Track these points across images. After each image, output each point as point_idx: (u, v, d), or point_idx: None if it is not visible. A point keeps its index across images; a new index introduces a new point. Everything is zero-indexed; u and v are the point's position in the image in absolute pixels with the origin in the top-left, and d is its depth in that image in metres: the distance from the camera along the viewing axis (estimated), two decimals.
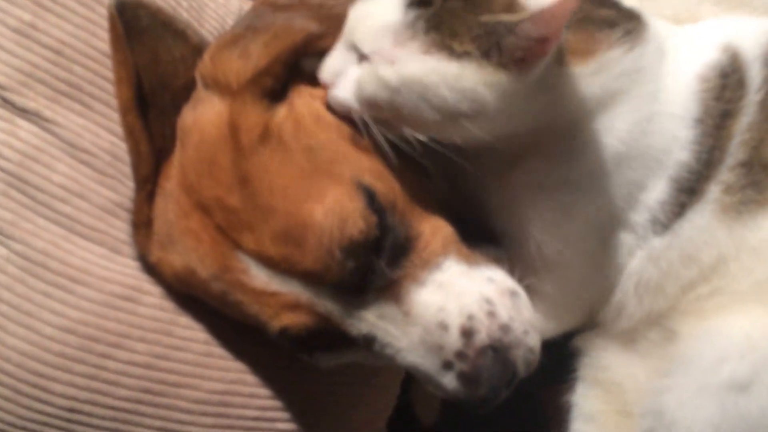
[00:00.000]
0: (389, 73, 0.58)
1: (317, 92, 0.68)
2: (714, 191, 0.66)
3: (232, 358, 0.74)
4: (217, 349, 0.74)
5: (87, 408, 0.69)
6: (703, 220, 0.66)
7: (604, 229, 0.68)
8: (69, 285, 0.68)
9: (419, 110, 0.58)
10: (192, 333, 0.73)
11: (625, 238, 0.68)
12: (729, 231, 0.66)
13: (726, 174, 0.66)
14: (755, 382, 0.64)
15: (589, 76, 0.62)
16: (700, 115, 0.66)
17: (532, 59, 0.56)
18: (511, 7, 0.55)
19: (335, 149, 0.65)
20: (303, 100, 0.67)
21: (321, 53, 0.67)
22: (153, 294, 0.72)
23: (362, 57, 0.61)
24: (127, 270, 0.71)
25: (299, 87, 0.68)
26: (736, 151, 0.66)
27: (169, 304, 0.72)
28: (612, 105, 0.64)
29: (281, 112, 0.66)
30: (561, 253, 0.68)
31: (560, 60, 0.60)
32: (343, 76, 0.63)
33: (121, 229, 0.71)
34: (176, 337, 0.72)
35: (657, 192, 0.66)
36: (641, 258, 0.68)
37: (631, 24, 0.65)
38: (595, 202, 0.66)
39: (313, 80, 0.68)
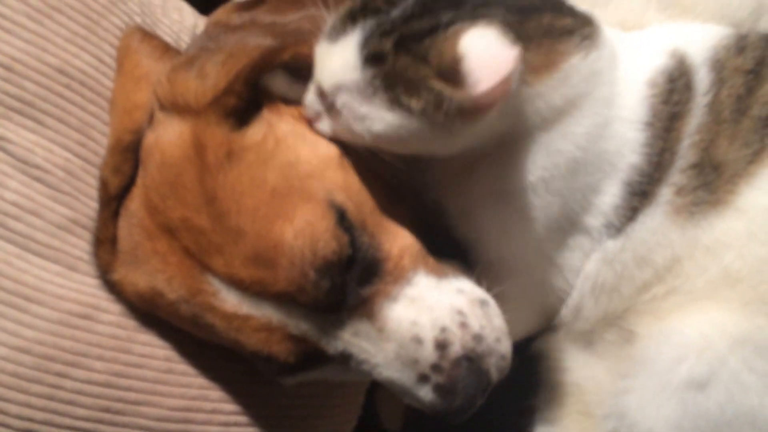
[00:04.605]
0: (362, 130, 0.61)
1: (296, 111, 0.68)
2: (666, 193, 0.67)
3: (193, 374, 0.73)
4: (178, 366, 0.73)
5: (44, 429, 0.67)
6: (655, 222, 0.67)
7: (561, 233, 0.69)
8: (23, 304, 0.66)
9: (394, 150, 0.63)
10: (152, 350, 0.72)
11: (581, 241, 0.69)
12: (682, 232, 0.67)
13: (677, 176, 0.67)
14: (713, 379, 0.65)
15: (552, 89, 0.63)
16: (649, 118, 0.67)
17: (482, 114, 0.58)
18: (456, 62, 0.56)
19: (315, 164, 0.65)
20: (284, 119, 0.67)
21: (282, 67, 0.67)
22: (111, 311, 0.70)
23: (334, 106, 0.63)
24: (84, 287, 0.70)
25: (276, 106, 0.68)
26: (686, 153, 0.67)
27: (128, 322, 0.71)
28: (572, 111, 0.65)
29: (257, 130, 0.65)
30: (520, 257, 0.69)
31: (523, 81, 0.61)
32: (323, 117, 0.65)
33: (77, 246, 0.70)
34: (135, 354, 0.71)
35: (610, 196, 0.67)
36: (596, 260, 0.69)
37: (586, 29, 0.66)
38: (551, 207, 0.67)
39: (284, 98, 0.68)
